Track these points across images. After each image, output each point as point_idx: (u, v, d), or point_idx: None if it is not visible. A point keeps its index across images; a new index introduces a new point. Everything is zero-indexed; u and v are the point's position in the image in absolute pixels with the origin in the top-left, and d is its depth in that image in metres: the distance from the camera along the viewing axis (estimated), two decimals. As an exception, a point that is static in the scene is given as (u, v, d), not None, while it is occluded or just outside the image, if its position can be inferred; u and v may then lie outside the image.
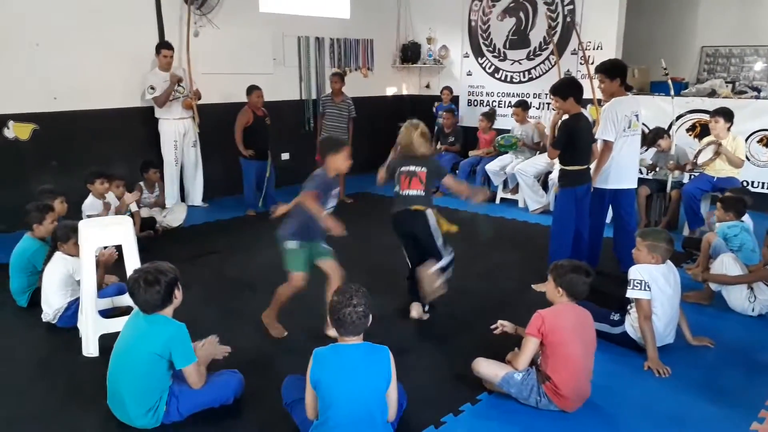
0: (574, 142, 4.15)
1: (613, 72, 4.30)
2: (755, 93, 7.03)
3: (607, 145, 4.29)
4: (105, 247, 3.95)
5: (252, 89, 6.49)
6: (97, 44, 6.10)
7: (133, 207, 5.46)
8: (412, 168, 3.75)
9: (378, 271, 4.78)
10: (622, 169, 4.41)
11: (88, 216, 4.96)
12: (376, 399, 2.41)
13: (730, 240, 4.23)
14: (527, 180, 6.67)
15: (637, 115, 4.40)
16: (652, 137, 6.02)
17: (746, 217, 4.44)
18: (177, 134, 6.57)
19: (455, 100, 8.85)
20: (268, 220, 6.32)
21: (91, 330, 3.38)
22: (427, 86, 9.44)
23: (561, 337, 2.80)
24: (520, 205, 6.97)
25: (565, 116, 4.24)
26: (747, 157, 6.09)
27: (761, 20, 8.57)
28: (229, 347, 3.04)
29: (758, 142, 6.47)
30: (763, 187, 6.49)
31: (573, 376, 2.80)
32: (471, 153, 7.62)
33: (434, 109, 8.72)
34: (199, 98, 6.65)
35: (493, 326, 3.24)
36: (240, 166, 6.62)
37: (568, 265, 2.93)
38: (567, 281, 2.88)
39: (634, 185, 4.60)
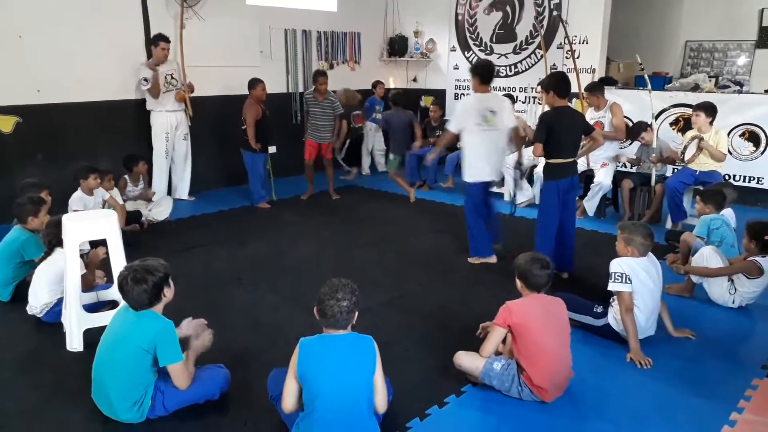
0: (553, 135, 4.20)
1: (473, 72, 4.67)
2: (738, 87, 7.12)
3: (446, 135, 4.89)
4: (93, 245, 3.92)
5: (256, 82, 6.37)
6: (81, 36, 6.03)
7: (119, 200, 5.43)
8: None
9: (366, 264, 4.80)
10: (473, 162, 4.69)
11: (74, 211, 4.92)
12: (362, 389, 2.42)
13: (712, 233, 4.29)
14: (512, 173, 6.68)
15: (492, 111, 4.59)
16: (635, 131, 6.08)
17: (729, 211, 4.50)
18: (169, 126, 6.52)
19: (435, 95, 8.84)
20: (258, 214, 6.37)
21: (75, 324, 3.36)
22: (414, 80, 9.44)
23: (530, 329, 2.83)
24: (506, 198, 7.01)
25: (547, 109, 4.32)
26: (729, 151, 6.17)
27: (744, 15, 8.66)
28: (211, 331, 3.10)
29: (740, 136, 6.54)
30: (744, 181, 6.57)
31: (547, 366, 2.83)
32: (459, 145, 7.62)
33: (366, 103, 8.36)
34: (192, 91, 6.61)
35: (477, 333, 3.32)
36: (242, 159, 6.55)
37: (525, 257, 2.98)
38: (522, 273, 2.95)
39: (487, 178, 4.76)
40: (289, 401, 2.48)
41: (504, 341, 3.06)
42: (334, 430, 2.36)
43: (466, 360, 3.03)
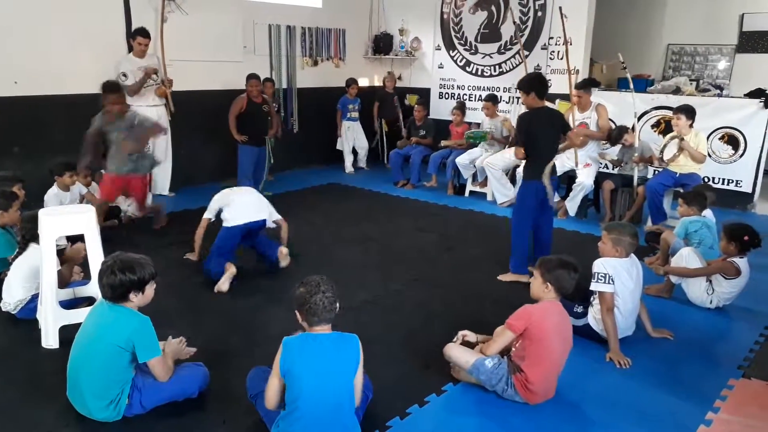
0: (529, 137, 4.23)
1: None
2: (718, 91, 7.21)
3: None
4: (70, 241, 3.86)
5: (249, 78, 6.60)
6: (60, 28, 5.92)
7: (97, 195, 5.35)
8: None
9: (348, 263, 4.78)
10: None
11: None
12: (345, 388, 2.41)
13: (690, 236, 4.34)
14: (495, 173, 6.72)
15: None
16: (616, 135, 6.12)
17: (709, 213, 4.56)
18: None
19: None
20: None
21: (50, 321, 3.30)
22: (399, 78, 9.42)
23: (544, 335, 2.81)
24: (489, 198, 7.04)
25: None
26: (708, 154, 6.25)
27: (725, 19, 8.79)
28: (194, 349, 3.05)
29: (720, 139, 6.63)
30: (723, 183, 6.66)
31: (546, 372, 2.84)
32: (443, 143, 7.66)
33: (338, 105, 8.34)
34: (171, 86, 6.53)
35: (455, 339, 3.20)
36: (225, 154, 6.64)
37: (556, 261, 2.93)
38: (555, 277, 2.89)
39: None
40: (271, 399, 2.47)
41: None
42: (314, 429, 2.35)
43: (456, 352, 3.02)
